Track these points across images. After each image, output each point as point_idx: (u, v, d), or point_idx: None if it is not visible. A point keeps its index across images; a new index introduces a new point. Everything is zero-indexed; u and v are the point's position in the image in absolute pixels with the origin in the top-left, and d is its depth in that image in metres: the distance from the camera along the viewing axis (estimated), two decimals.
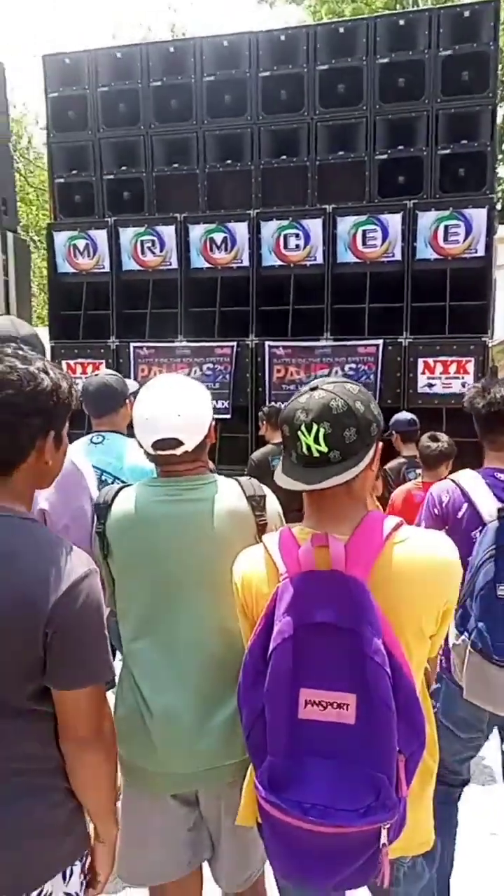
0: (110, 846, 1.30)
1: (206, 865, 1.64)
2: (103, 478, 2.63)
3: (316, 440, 1.24)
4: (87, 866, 1.28)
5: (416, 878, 1.40)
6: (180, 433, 1.53)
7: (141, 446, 1.60)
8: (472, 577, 1.79)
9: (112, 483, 2.33)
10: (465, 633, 1.80)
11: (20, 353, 1.25)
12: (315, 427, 1.24)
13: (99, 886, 1.32)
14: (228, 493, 1.58)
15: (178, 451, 1.55)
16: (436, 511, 1.97)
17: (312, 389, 1.30)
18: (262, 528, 1.55)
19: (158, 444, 1.54)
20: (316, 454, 1.24)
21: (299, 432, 1.25)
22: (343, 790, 1.12)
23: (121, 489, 1.62)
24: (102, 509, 1.59)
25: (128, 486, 1.64)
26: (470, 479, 1.95)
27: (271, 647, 1.19)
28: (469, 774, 2.09)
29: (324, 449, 1.24)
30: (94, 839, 1.29)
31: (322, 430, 1.24)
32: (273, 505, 1.62)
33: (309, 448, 1.24)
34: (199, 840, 1.59)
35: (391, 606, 1.21)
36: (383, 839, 1.12)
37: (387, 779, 1.12)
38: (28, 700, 1.16)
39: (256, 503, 1.58)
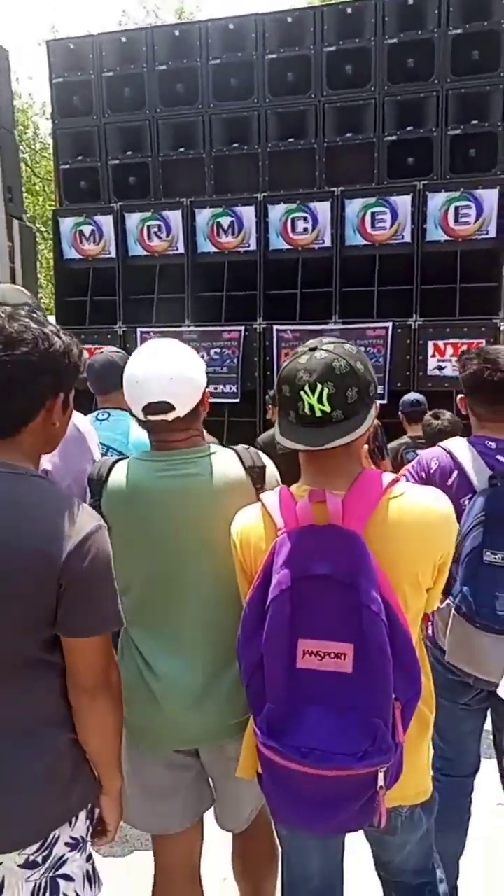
0: (114, 797, 1.32)
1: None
2: (109, 454, 2.64)
3: (320, 400, 1.23)
4: (94, 814, 1.30)
5: (414, 828, 1.41)
6: (172, 397, 1.48)
7: (132, 414, 1.55)
8: (460, 543, 1.79)
9: None
10: (450, 598, 1.81)
11: (34, 315, 1.27)
12: (319, 387, 1.23)
13: (109, 835, 1.35)
14: (227, 465, 1.54)
15: (170, 417, 1.49)
16: (422, 475, 1.93)
17: (312, 350, 1.29)
18: None
19: (149, 409, 1.49)
20: (319, 414, 1.24)
21: (302, 392, 1.24)
22: (340, 735, 1.14)
23: (115, 463, 1.58)
24: (96, 484, 1.56)
25: (122, 459, 1.61)
26: (461, 447, 1.93)
27: (269, 599, 1.20)
28: (479, 761, 2.07)
29: (327, 409, 1.23)
30: (100, 791, 1.31)
31: (326, 390, 1.23)
32: (272, 474, 1.59)
33: (312, 408, 1.24)
34: (201, 790, 1.61)
35: (388, 558, 1.21)
36: (380, 782, 1.14)
37: (383, 724, 1.13)
38: (39, 650, 1.18)
39: (256, 474, 1.55)
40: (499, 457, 1.88)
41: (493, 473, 1.84)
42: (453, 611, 1.78)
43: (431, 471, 1.95)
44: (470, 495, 1.85)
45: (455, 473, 1.90)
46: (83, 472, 1.70)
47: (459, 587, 1.78)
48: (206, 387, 1.59)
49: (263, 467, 1.57)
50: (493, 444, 1.91)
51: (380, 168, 5.67)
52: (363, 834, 1.46)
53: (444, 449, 1.97)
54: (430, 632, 1.98)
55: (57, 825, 1.20)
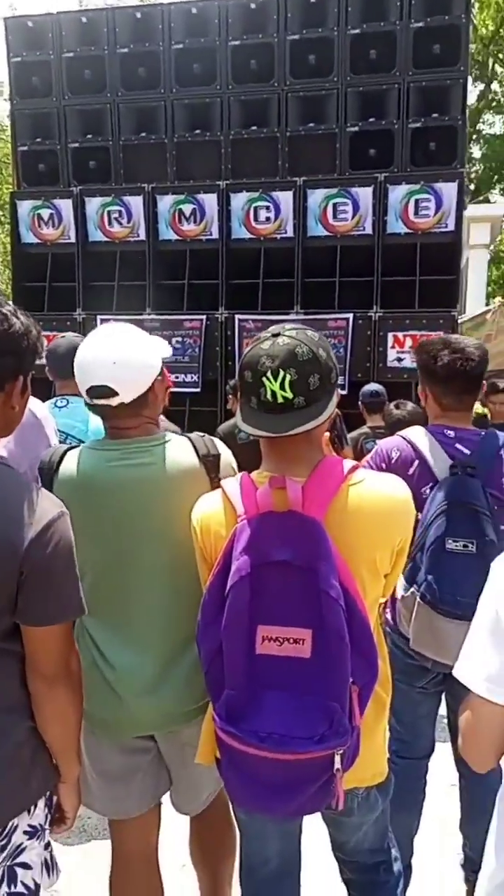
0: (73, 784, 1.32)
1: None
2: (68, 441, 2.60)
3: (282, 386, 1.23)
4: (52, 802, 1.29)
5: (370, 809, 1.43)
6: (115, 382, 1.45)
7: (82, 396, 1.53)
8: (424, 532, 1.82)
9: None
10: (415, 586, 1.84)
11: None
12: (281, 373, 1.23)
13: (68, 822, 1.34)
14: (180, 454, 1.52)
15: (114, 402, 1.47)
16: (383, 466, 1.94)
17: (275, 336, 1.29)
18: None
19: (92, 392, 1.47)
20: (281, 400, 1.24)
21: (264, 378, 1.24)
22: (298, 719, 1.15)
23: (66, 452, 1.56)
24: (46, 474, 1.53)
25: (73, 447, 1.58)
26: (421, 436, 1.94)
27: (229, 585, 1.20)
28: (434, 743, 2.12)
29: (289, 395, 1.23)
30: (58, 779, 1.30)
31: (288, 377, 1.23)
32: (227, 462, 1.57)
33: (274, 394, 1.24)
34: (158, 773, 1.62)
35: (347, 544, 1.23)
36: (337, 764, 1.15)
37: (340, 707, 1.15)
38: None
39: (210, 463, 1.52)
40: (458, 445, 1.91)
41: (454, 462, 1.87)
42: (418, 599, 1.81)
43: (393, 460, 1.95)
44: (431, 484, 1.87)
45: (416, 463, 1.91)
46: (39, 459, 1.67)
47: (424, 575, 1.80)
48: (160, 375, 1.55)
49: (218, 455, 1.55)
50: (451, 433, 1.93)
51: (342, 159, 5.68)
52: (320, 816, 1.48)
53: (404, 438, 1.98)
54: (388, 617, 2.01)
55: (16, 814, 1.19)
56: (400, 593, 1.87)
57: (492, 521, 1.79)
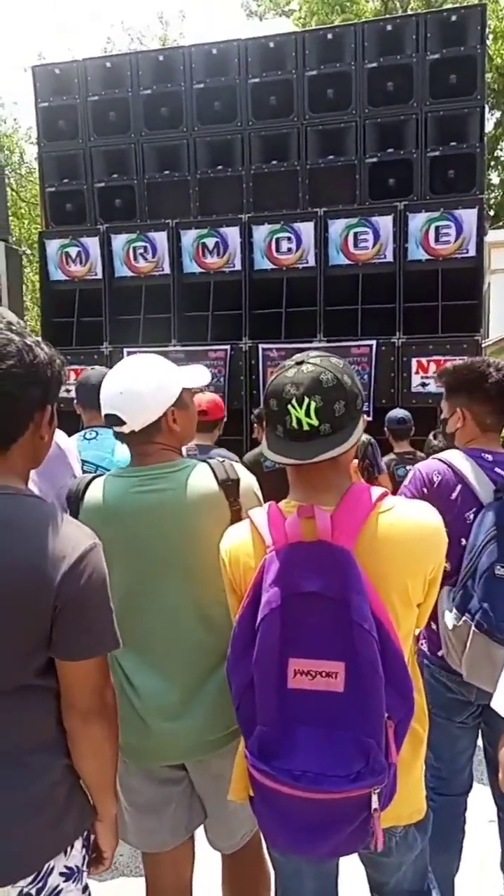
0: (110, 823, 1.28)
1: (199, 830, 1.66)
2: (98, 472, 2.62)
3: (307, 413, 1.23)
4: (90, 842, 1.27)
5: (409, 848, 1.39)
6: (120, 411, 1.51)
7: None
8: (475, 559, 1.77)
9: None
10: (468, 615, 1.77)
11: (13, 327, 1.25)
12: (306, 400, 1.23)
13: (106, 863, 1.31)
14: (199, 479, 1.53)
15: (126, 430, 1.53)
16: (424, 490, 1.90)
17: (299, 363, 1.29)
18: (236, 517, 1.50)
19: (106, 420, 1.55)
20: (307, 427, 1.23)
21: (290, 406, 1.24)
22: (333, 757, 1.12)
23: (91, 480, 1.59)
24: (72, 502, 1.56)
25: (98, 476, 1.62)
26: (461, 460, 1.90)
27: (259, 618, 1.19)
28: (472, 779, 2.05)
29: (315, 422, 1.23)
30: (95, 817, 1.27)
31: (313, 404, 1.23)
32: (248, 487, 1.57)
33: (299, 421, 1.23)
34: (191, 804, 1.60)
35: (378, 573, 1.21)
36: (374, 804, 1.12)
37: (376, 744, 1.12)
38: (33, 675, 1.15)
39: (229, 488, 1.52)
40: (497, 469, 1.87)
41: (497, 486, 1.83)
42: (473, 628, 1.74)
43: (435, 484, 1.90)
44: (475, 509, 1.83)
45: (459, 487, 1.87)
46: (66, 489, 1.69)
47: (479, 604, 1.74)
48: (176, 404, 1.56)
49: (237, 480, 1.55)
50: (489, 457, 1.90)
51: (361, 189, 5.75)
52: (357, 856, 1.44)
53: (443, 461, 1.93)
54: (424, 649, 1.96)
55: (51, 855, 1.17)
56: (451, 623, 1.80)
57: None
